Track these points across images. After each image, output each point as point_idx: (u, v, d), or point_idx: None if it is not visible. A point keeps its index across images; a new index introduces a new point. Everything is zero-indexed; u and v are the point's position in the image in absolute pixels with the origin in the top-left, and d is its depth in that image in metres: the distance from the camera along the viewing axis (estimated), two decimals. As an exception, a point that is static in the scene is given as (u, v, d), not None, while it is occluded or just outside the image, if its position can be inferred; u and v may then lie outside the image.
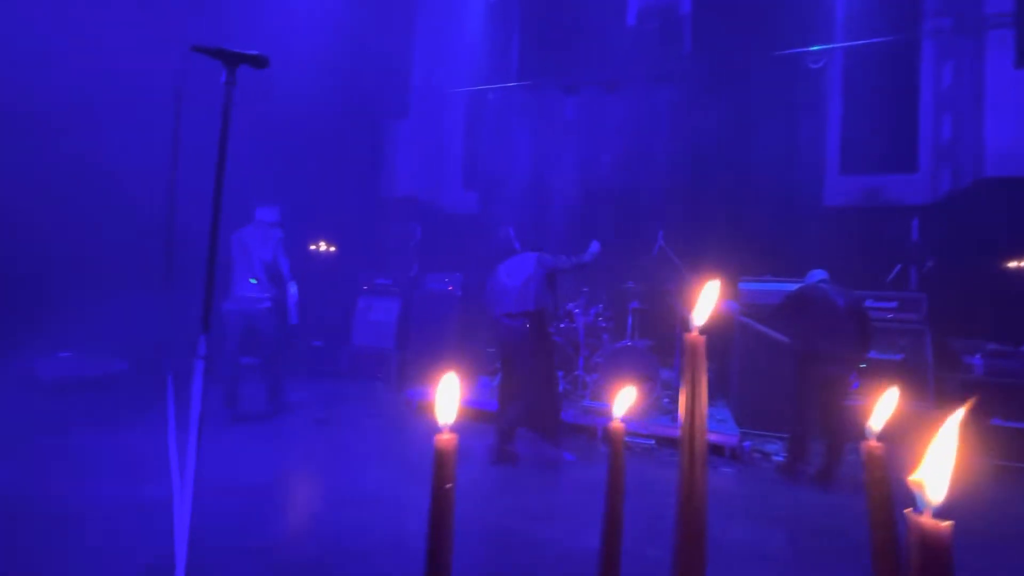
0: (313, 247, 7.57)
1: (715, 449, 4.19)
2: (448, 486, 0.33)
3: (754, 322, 4.27)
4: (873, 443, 0.34)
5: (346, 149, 7.73)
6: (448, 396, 0.34)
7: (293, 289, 4.62)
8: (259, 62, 1.47)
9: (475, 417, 4.84)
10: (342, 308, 7.11)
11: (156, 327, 4.96)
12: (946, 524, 0.20)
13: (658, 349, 5.10)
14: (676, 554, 0.40)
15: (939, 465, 0.23)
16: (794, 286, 4.77)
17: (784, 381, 4.22)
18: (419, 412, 5.13)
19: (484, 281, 6.57)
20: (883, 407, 0.33)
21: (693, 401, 0.39)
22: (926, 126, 6.22)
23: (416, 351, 6.36)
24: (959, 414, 0.26)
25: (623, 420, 0.59)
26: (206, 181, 2.08)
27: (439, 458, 0.33)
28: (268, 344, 4.60)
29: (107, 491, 2.77)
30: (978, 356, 4.29)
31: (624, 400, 0.52)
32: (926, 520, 0.20)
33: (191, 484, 1.33)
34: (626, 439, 4.41)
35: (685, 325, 0.39)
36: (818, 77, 6.59)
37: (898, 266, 5.45)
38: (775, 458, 4.12)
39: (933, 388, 4.48)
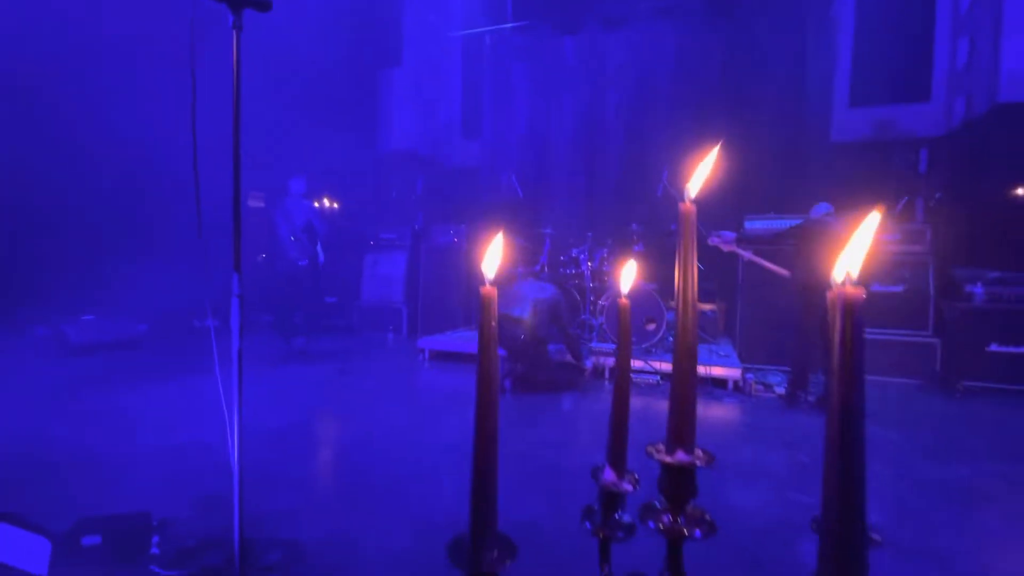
0: (316, 204, 7.57)
1: (718, 382, 4.36)
2: (492, 323, 0.41)
3: (751, 254, 4.33)
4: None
5: (341, 101, 7.58)
6: (492, 255, 0.42)
7: (321, 254, 5.53)
8: (262, 5, 1.47)
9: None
10: (350, 264, 7.21)
11: (174, 290, 5.10)
12: (859, 289, 0.28)
13: (663, 291, 5.19)
14: (672, 393, 0.48)
15: (858, 250, 0.31)
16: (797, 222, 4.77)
17: (786, 316, 4.33)
18: (431, 360, 5.32)
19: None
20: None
21: (685, 267, 0.47)
22: (941, 53, 5.99)
23: (425, 303, 6.51)
24: (878, 214, 0.34)
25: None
26: (215, 138, 2.11)
27: (484, 303, 0.41)
28: (305, 297, 5.38)
29: (150, 439, 2.98)
30: (979, 284, 4.36)
31: (628, 276, 0.59)
32: (848, 288, 0.28)
33: (237, 414, 1.46)
34: (632, 375, 4.58)
35: (680, 195, 0.46)
36: (829, 3, 6.30)
37: (904, 198, 5.42)
38: (777, 389, 4.29)
39: (933, 317, 4.57)
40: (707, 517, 0.46)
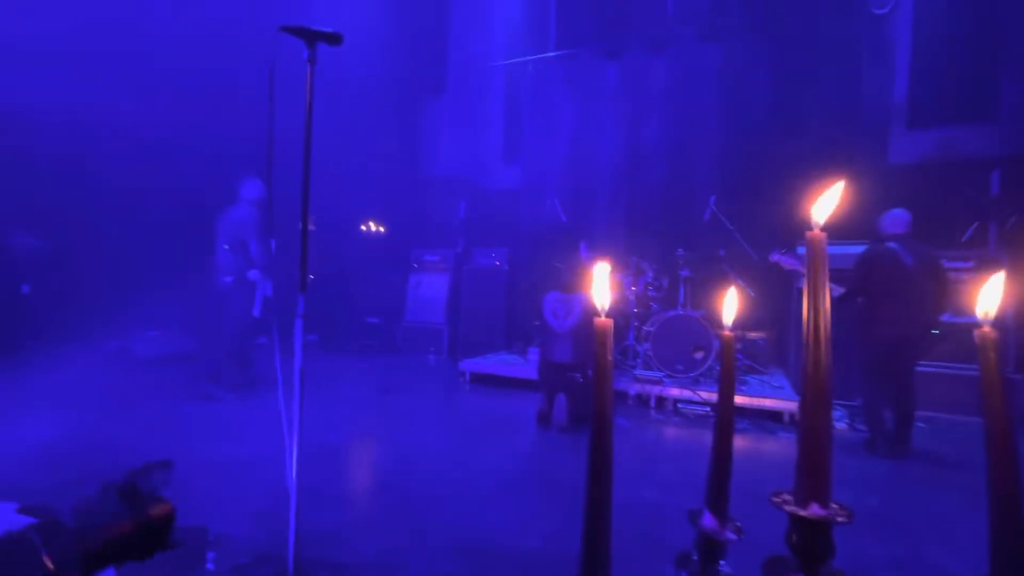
0: (364, 227, 7.83)
1: (773, 416, 4.14)
2: (609, 358, 0.39)
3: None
4: (986, 328, 0.38)
5: (386, 128, 7.87)
6: (601, 287, 0.41)
7: (254, 275, 4.28)
8: (334, 39, 1.55)
9: (527, 386, 4.97)
10: (394, 285, 7.37)
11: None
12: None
13: (711, 318, 5.02)
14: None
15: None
16: (855, 248, 4.55)
17: (844, 346, 4.07)
18: (472, 382, 5.31)
19: (531, 257, 6.62)
20: (992, 291, 0.36)
21: (816, 302, 0.43)
22: (1011, 68, 5.67)
23: (467, 325, 6.54)
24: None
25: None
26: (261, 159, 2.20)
27: (600, 335, 0.39)
28: (227, 323, 4.32)
29: (209, 451, 3.07)
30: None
31: (730, 305, 0.56)
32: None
33: (297, 432, 1.48)
34: (679, 406, 4.42)
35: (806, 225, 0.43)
36: (884, 23, 6.11)
37: (975, 223, 5.08)
38: (836, 424, 4.03)
39: (1014, 350, 4.21)
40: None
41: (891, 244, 3.56)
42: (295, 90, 1.71)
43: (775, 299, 5.46)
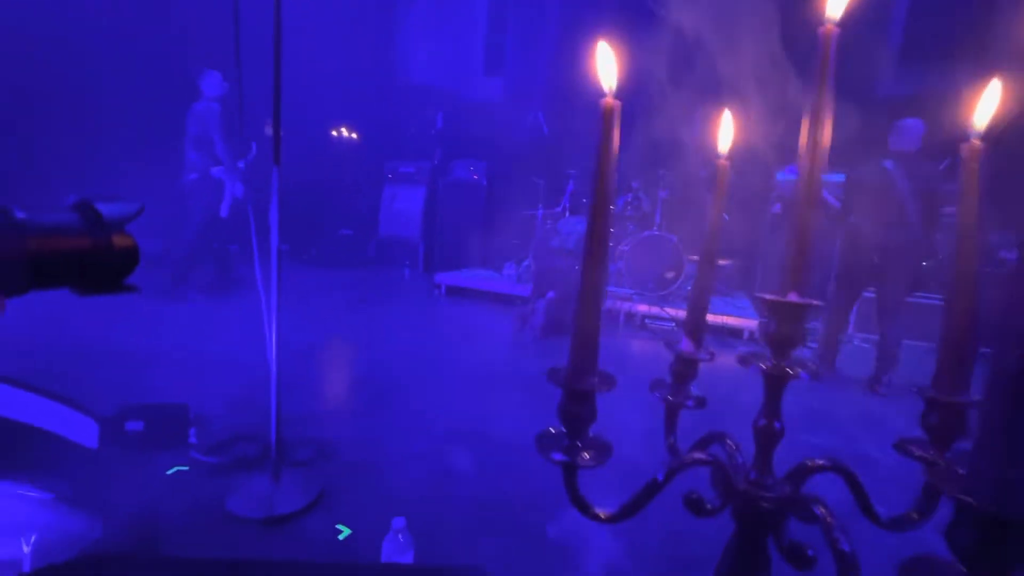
0: (335, 133, 7.42)
1: (734, 332, 4.37)
2: (615, 141, 0.38)
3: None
4: (975, 141, 0.38)
5: (359, 29, 7.24)
6: (608, 63, 0.39)
7: (218, 172, 4.18)
8: None
9: (502, 300, 5.06)
10: (368, 197, 7.15)
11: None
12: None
13: (686, 241, 5.09)
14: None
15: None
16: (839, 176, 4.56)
17: (817, 267, 4.21)
18: (448, 295, 5.36)
19: (511, 171, 6.47)
20: (987, 101, 0.35)
21: (820, 108, 0.43)
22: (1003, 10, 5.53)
23: (443, 239, 6.48)
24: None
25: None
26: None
27: (606, 118, 0.38)
28: (190, 222, 4.22)
29: (184, 346, 3.07)
30: (1015, 250, 4.23)
31: (726, 132, 0.56)
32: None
33: (276, 306, 1.48)
34: (647, 321, 4.60)
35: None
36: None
37: (948, 159, 5.18)
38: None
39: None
40: (811, 365, 0.45)
41: (887, 163, 3.21)
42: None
43: (746, 227, 5.55)
